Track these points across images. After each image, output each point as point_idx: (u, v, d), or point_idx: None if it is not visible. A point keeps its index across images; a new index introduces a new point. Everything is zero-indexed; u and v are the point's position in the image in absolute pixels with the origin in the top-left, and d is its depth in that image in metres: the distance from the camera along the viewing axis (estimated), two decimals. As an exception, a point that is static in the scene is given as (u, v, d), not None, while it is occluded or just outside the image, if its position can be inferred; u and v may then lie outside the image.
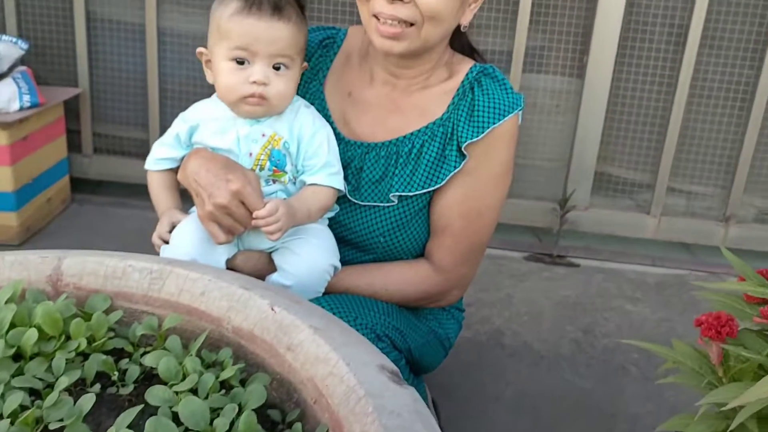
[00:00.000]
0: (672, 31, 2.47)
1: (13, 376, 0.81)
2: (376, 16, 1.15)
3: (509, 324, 2.16)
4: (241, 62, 1.12)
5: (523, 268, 2.52)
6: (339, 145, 1.26)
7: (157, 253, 1.19)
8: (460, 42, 1.33)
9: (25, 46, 2.44)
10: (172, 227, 1.19)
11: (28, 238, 2.40)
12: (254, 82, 1.11)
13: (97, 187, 2.82)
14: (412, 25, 1.14)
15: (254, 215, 1.10)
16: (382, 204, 1.26)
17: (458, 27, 1.24)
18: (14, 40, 2.44)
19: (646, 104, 2.55)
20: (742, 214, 2.63)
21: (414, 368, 1.34)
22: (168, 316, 0.94)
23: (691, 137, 2.58)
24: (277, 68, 1.13)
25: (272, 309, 0.91)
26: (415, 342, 1.30)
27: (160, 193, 1.25)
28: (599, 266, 2.56)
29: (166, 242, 1.18)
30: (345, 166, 1.26)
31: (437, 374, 1.54)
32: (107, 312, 0.94)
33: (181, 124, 1.21)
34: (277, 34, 1.11)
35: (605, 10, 2.41)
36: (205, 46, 1.19)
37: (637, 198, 2.69)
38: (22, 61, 2.47)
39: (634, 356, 2.02)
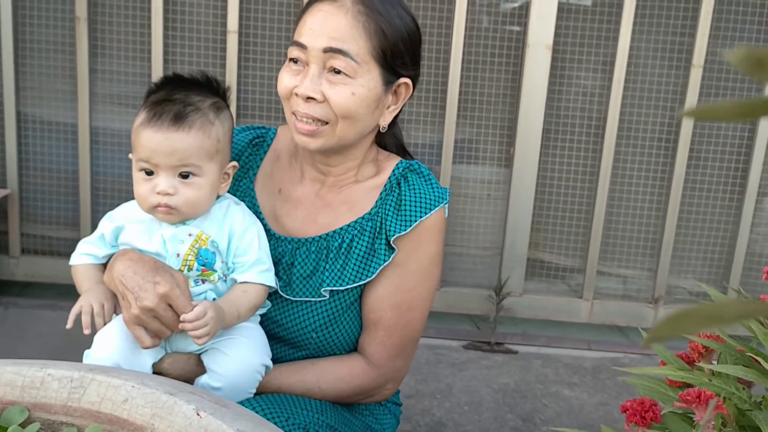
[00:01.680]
0: (591, 123, 2.61)
1: None
2: (295, 114, 1.19)
3: (450, 414, 2.14)
4: (149, 173, 1.13)
5: (462, 357, 2.52)
6: (270, 240, 1.27)
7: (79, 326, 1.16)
8: (388, 140, 1.37)
9: (-49, 147, 2.41)
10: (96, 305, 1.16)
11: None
12: (158, 193, 1.12)
13: (24, 289, 2.73)
14: (326, 123, 1.19)
15: (181, 318, 1.09)
16: (313, 299, 1.26)
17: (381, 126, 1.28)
18: (-60, 141, 2.40)
19: (572, 192, 2.66)
20: (670, 296, 2.72)
21: (351, 467, 1.31)
22: (88, 426, 0.91)
23: (616, 222, 2.68)
24: (185, 176, 1.13)
25: (198, 414, 0.89)
26: (350, 439, 1.28)
27: (83, 283, 1.22)
28: (537, 352, 2.58)
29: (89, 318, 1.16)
30: (276, 262, 1.26)
31: (377, 472, 1.50)
32: (24, 425, 0.90)
33: (107, 223, 1.21)
34: (176, 145, 1.11)
35: (527, 104, 2.54)
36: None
37: (570, 282, 2.75)
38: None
39: (575, 442, 2.02)
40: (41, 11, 2.56)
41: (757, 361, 1.07)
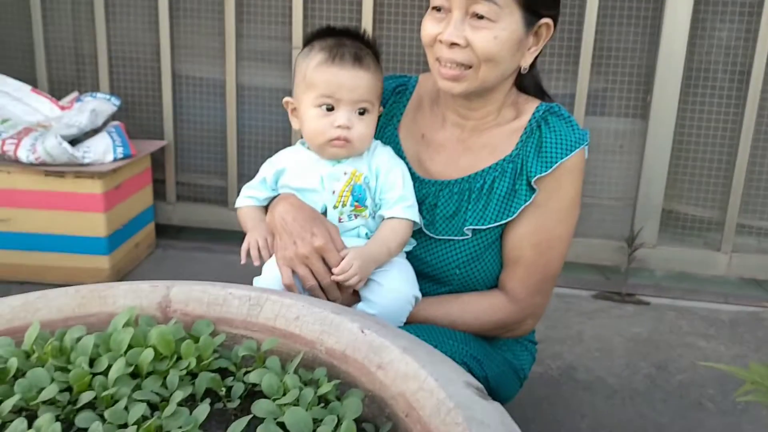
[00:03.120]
0: (735, 69, 2.49)
1: (133, 391, 0.90)
2: (438, 60, 1.25)
3: (581, 359, 2.17)
4: (328, 108, 1.23)
5: (591, 306, 2.53)
6: (414, 183, 1.34)
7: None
8: (527, 82, 1.39)
9: (117, 102, 2.64)
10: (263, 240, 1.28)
11: (117, 282, 2.55)
12: (339, 126, 1.22)
13: (179, 233, 2.98)
14: (470, 67, 1.23)
15: (333, 272, 1.20)
16: (456, 238, 1.33)
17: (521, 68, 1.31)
18: (108, 97, 2.64)
19: (711, 142, 2.56)
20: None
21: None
22: (266, 339, 1.02)
23: (759, 173, 2.57)
24: (360, 113, 1.24)
25: (362, 332, 0.98)
26: (491, 371, 1.35)
27: (248, 221, 1.34)
28: (670, 304, 2.55)
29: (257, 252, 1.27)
30: (420, 203, 1.34)
31: (511, 408, 1.55)
32: (212, 335, 1.03)
33: (268, 167, 1.32)
34: (359, 81, 1.22)
35: (667, 51, 2.46)
36: (288, 97, 1.30)
37: (706, 236, 2.68)
38: (114, 116, 2.67)
39: (710, 392, 2.01)
40: (192, -26, 2.73)
41: None
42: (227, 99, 2.79)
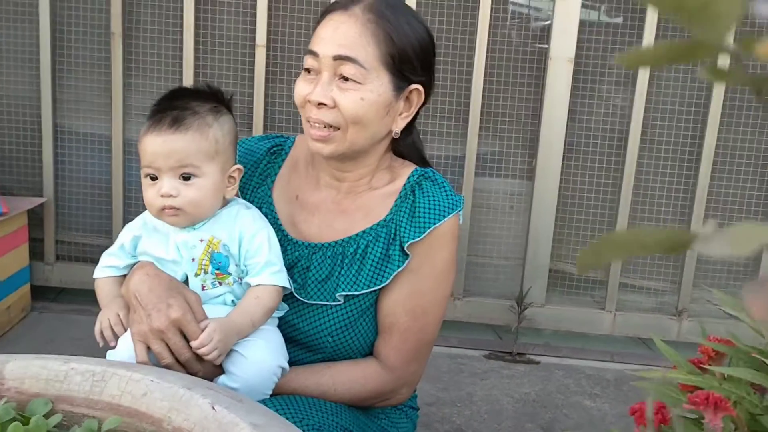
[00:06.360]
0: (613, 136, 2.62)
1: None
2: (308, 121, 1.24)
3: (470, 422, 2.16)
4: (153, 178, 1.18)
5: (483, 367, 2.53)
6: (287, 245, 1.31)
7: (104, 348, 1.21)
8: (404, 148, 1.39)
9: (-10, 157, 2.51)
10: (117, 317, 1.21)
11: (-15, 348, 2.38)
12: (162, 196, 1.16)
13: (59, 295, 2.82)
14: (338, 129, 1.23)
15: (191, 345, 1.13)
16: (328, 303, 1.30)
17: (405, 132, 1.32)
18: (-20, 151, 2.50)
19: (594, 204, 2.66)
20: (694, 308, 2.70)
21: (367, 469, 1.33)
22: (108, 419, 0.95)
23: (640, 234, 2.68)
24: (186, 177, 1.17)
25: (213, 408, 0.93)
26: (365, 442, 1.31)
27: (102, 297, 1.27)
28: (558, 363, 2.58)
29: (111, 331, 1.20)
30: (292, 266, 1.30)
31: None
32: (47, 416, 0.95)
33: (126, 233, 1.26)
34: (174, 146, 1.16)
35: (549, 117, 2.56)
36: None
37: (592, 294, 2.75)
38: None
39: (594, 453, 2.02)
40: (78, 26, 2.66)
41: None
42: (113, 154, 2.70)
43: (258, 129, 2.62)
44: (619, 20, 2.56)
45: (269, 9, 2.56)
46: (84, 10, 2.65)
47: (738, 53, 0.33)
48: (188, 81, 2.61)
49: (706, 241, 0.32)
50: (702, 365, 1.19)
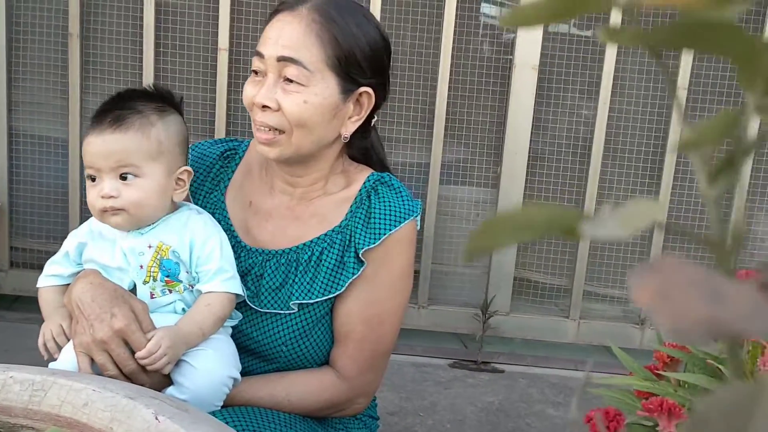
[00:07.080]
0: (578, 144, 2.63)
1: None
2: (255, 124, 1.22)
3: (432, 433, 2.14)
4: (92, 179, 1.15)
5: (448, 375, 2.51)
6: (240, 252, 1.28)
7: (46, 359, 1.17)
8: (360, 152, 1.35)
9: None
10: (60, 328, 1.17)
11: (-68, 358, 2.30)
12: (102, 197, 1.13)
13: (13, 303, 2.74)
14: (282, 132, 1.20)
15: (136, 356, 1.10)
16: (282, 311, 1.26)
17: (360, 135, 1.29)
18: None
19: (558, 212, 2.67)
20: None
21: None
22: (47, 429, 0.91)
23: (603, 243, 2.69)
24: (124, 177, 1.14)
25: (156, 418, 0.90)
26: (320, 453, 1.28)
27: (45, 307, 1.22)
28: (523, 371, 2.57)
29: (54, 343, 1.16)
30: (246, 273, 1.27)
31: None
32: (-18, 428, 0.91)
33: (71, 240, 1.22)
34: (112, 146, 1.13)
35: (514, 125, 2.56)
36: None
37: (557, 303, 2.75)
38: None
39: (556, 462, 2.01)
40: (34, 27, 2.59)
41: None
42: (70, 158, 2.63)
43: (220, 133, 2.58)
44: (589, 33, 2.58)
45: (232, 12, 2.52)
46: (41, 10, 2.59)
47: (630, 5, 0.30)
48: (148, 83, 2.56)
49: (596, 221, 0.30)
50: (658, 372, 1.19)
